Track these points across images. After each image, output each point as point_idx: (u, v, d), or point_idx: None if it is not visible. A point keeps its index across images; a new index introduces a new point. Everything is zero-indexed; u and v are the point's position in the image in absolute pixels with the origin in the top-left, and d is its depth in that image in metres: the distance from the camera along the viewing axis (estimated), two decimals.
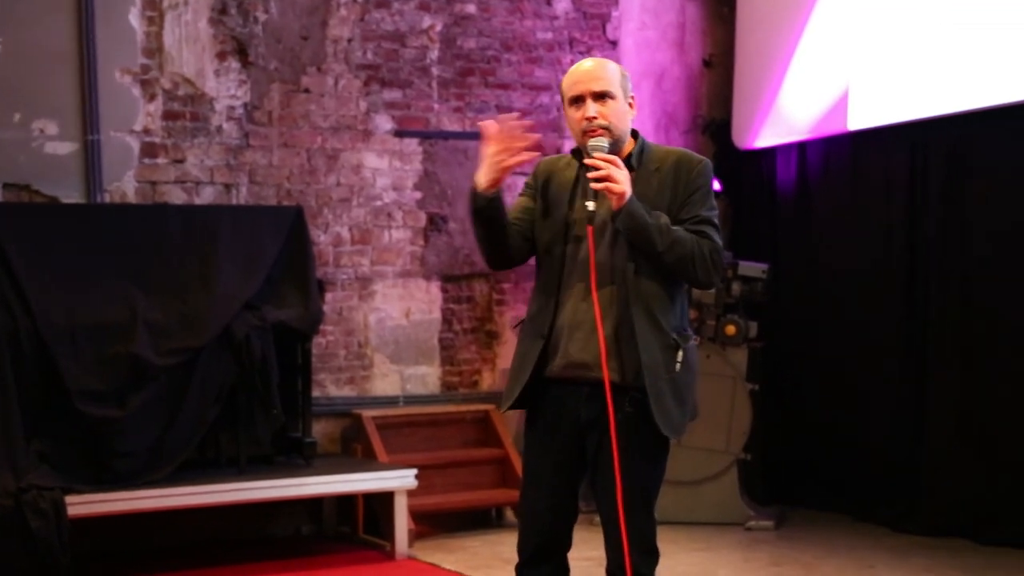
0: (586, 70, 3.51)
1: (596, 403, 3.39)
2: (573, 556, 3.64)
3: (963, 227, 6.50)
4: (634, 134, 3.58)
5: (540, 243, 3.57)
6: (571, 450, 3.48)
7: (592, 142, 3.43)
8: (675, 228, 3.38)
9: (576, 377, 3.44)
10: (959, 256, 6.51)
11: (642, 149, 3.55)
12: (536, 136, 3.45)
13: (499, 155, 3.40)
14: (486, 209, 3.44)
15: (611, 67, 3.53)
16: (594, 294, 3.38)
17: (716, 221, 3.48)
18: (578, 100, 3.48)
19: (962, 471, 6.42)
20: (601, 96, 3.46)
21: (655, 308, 3.40)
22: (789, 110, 7.42)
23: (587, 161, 3.42)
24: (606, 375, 3.34)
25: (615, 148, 3.46)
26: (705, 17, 8.13)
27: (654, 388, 3.36)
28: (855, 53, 6.97)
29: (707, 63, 8.15)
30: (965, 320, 6.47)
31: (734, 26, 7.93)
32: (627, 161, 3.48)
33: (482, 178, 3.41)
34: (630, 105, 3.54)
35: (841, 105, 7.04)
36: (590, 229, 3.41)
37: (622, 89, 3.51)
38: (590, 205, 3.39)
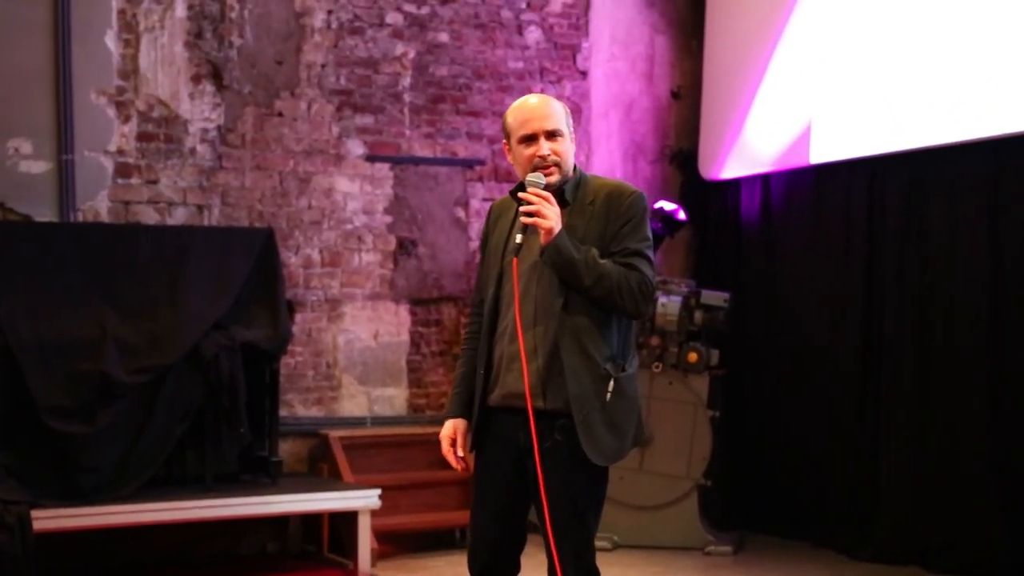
0: (534, 107, 3.63)
1: (530, 431, 3.50)
2: None
3: (919, 259, 6.64)
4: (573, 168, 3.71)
5: (484, 279, 3.72)
6: (514, 475, 3.60)
7: (530, 177, 3.55)
8: (603, 261, 3.49)
9: (512, 406, 3.56)
10: (915, 286, 6.65)
11: (579, 182, 3.66)
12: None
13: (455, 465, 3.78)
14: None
15: (556, 104, 3.66)
16: (518, 325, 3.50)
17: (647, 252, 3.57)
18: (530, 138, 3.59)
19: (916, 499, 6.54)
20: (552, 135, 3.59)
21: (585, 340, 3.51)
22: (754, 142, 7.58)
23: (521, 195, 3.55)
24: (529, 406, 3.47)
25: (555, 185, 3.58)
26: (674, 50, 8.28)
27: (582, 417, 3.48)
28: (817, 89, 7.14)
29: (675, 95, 8.30)
30: (921, 350, 6.60)
31: (702, 59, 8.09)
32: (562, 194, 3.60)
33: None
34: (572, 141, 3.66)
35: (804, 139, 7.20)
36: (515, 262, 3.53)
37: (568, 127, 3.64)
38: (517, 238, 3.53)
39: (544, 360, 3.53)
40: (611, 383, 3.51)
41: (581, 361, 3.50)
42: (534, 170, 3.57)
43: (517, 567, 3.72)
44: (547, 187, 3.55)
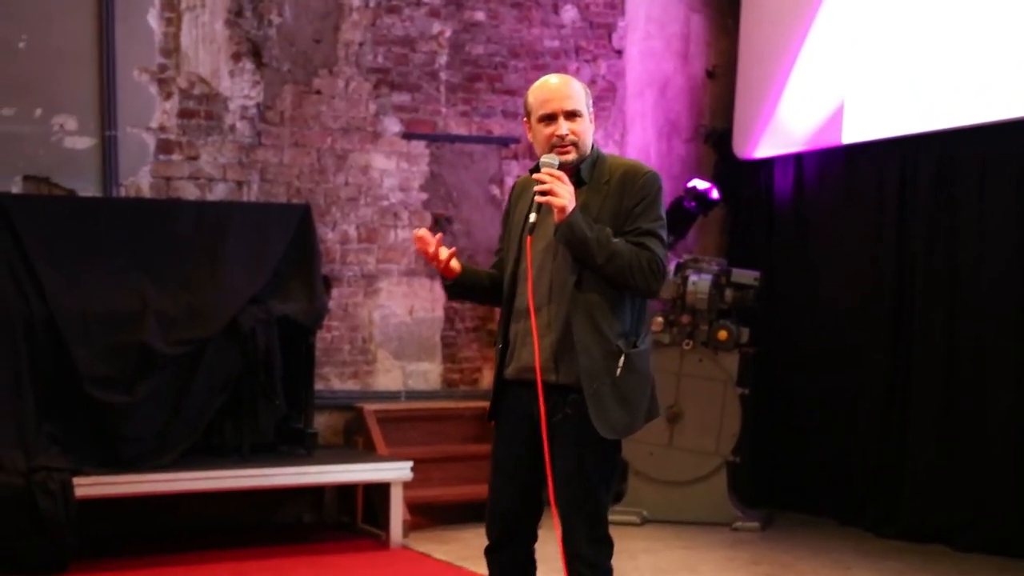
0: (555, 87, 3.70)
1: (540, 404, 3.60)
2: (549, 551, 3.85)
3: (951, 237, 6.68)
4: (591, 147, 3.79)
5: (505, 253, 3.81)
6: (529, 446, 3.69)
7: (544, 158, 3.64)
8: (616, 240, 3.57)
9: (526, 380, 3.67)
10: (945, 266, 6.69)
11: (595, 162, 3.74)
12: (443, 250, 3.73)
13: (430, 260, 3.77)
14: (453, 288, 3.86)
15: (576, 84, 3.72)
16: (530, 302, 3.60)
17: (660, 232, 3.65)
18: (550, 118, 3.67)
19: (941, 478, 6.60)
20: (572, 115, 3.66)
21: (597, 316, 3.59)
22: (787, 122, 7.62)
23: (534, 176, 3.64)
24: (539, 380, 3.57)
25: (572, 164, 3.66)
26: (709, 29, 8.32)
27: (592, 392, 3.58)
28: (851, 69, 7.17)
29: (710, 74, 8.34)
30: (950, 329, 6.64)
31: (737, 39, 8.12)
32: (578, 174, 3.69)
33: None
34: (592, 120, 3.73)
35: (837, 119, 7.23)
36: (528, 240, 3.63)
37: (586, 107, 3.71)
38: (532, 217, 3.62)
39: (557, 335, 3.62)
40: (622, 359, 3.60)
41: (593, 337, 3.59)
42: (551, 149, 3.66)
43: (534, 536, 3.83)
44: (564, 166, 3.64)
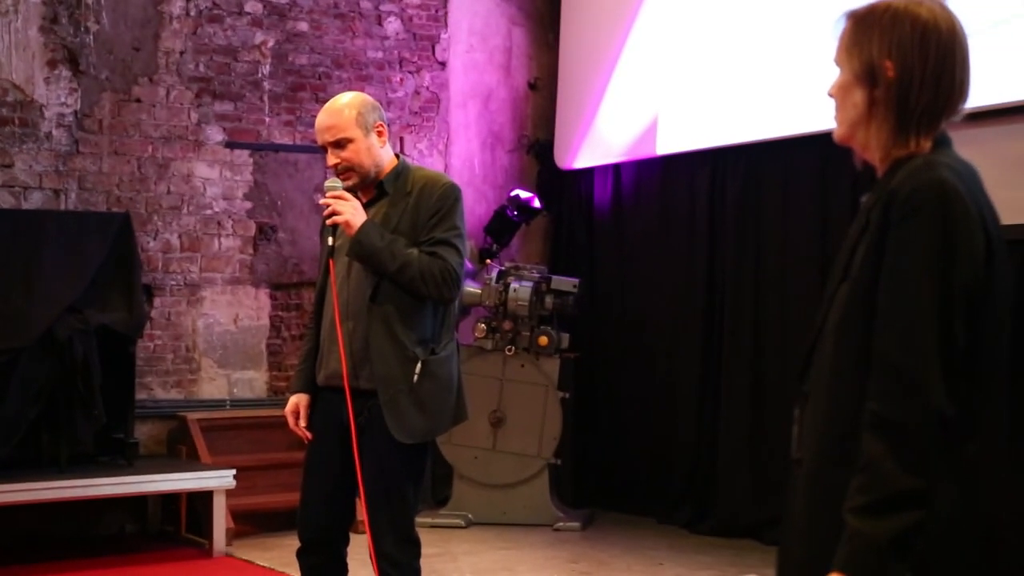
0: (320, 121, 3.86)
1: (347, 408, 3.73)
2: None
3: (757, 242, 7.00)
4: (398, 157, 3.92)
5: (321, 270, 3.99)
6: (340, 449, 3.80)
7: (327, 182, 3.83)
8: (408, 250, 3.72)
9: (334, 385, 3.80)
10: (753, 270, 7.00)
11: (399, 174, 3.87)
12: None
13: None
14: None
15: (345, 112, 3.81)
16: (336, 314, 3.75)
17: (455, 242, 3.79)
18: (324, 149, 3.85)
19: (750, 476, 6.89)
20: (339, 143, 3.79)
21: (394, 325, 3.74)
22: (606, 134, 7.86)
23: (320, 201, 3.81)
24: (347, 385, 3.70)
25: (360, 185, 3.83)
26: (531, 42, 8.52)
27: (388, 397, 3.72)
28: (663, 84, 7.45)
29: (532, 86, 8.54)
30: (756, 333, 6.95)
31: (558, 52, 8.34)
32: (380, 186, 3.82)
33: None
34: (379, 134, 3.83)
35: (651, 131, 7.50)
36: (331, 262, 3.80)
37: (362, 127, 3.79)
38: (330, 240, 3.80)
39: (359, 345, 3.76)
40: (418, 365, 3.73)
41: (389, 345, 3.73)
42: (338, 174, 3.80)
43: (345, 538, 3.93)
44: (352, 188, 3.81)
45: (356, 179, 3.81)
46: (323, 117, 3.84)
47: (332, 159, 3.79)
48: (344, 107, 3.83)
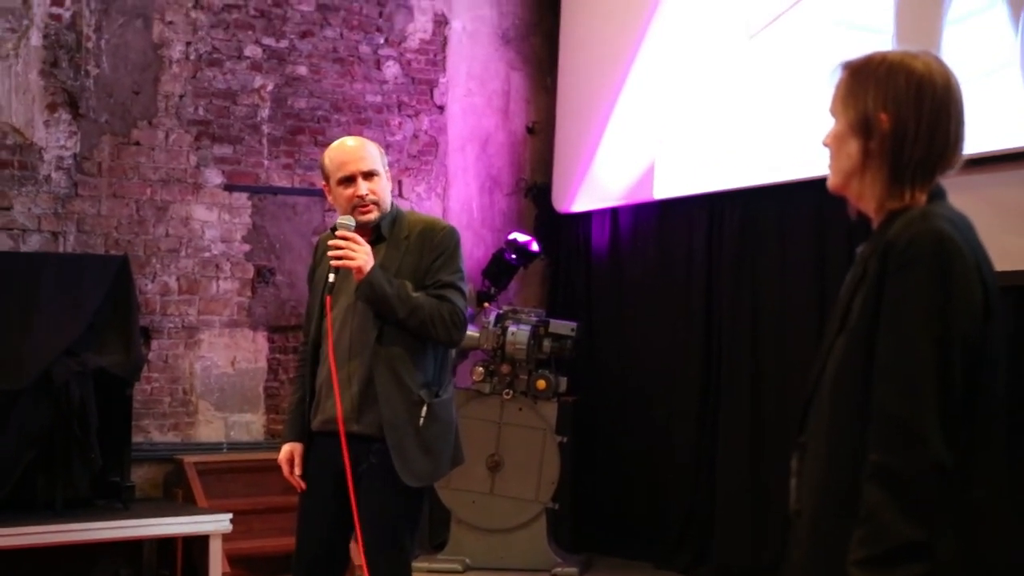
0: (351, 149, 3.85)
1: (348, 454, 3.71)
2: None
3: (754, 286, 7.00)
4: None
5: (311, 311, 3.95)
6: (335, 496, 3.78)
7: (339, 220, 3.80)
8: (416, 294, 3.72)
9: (331, 431, 3.78)
10: (750, 313, 7.00)
11: (395, 219, 3.89)
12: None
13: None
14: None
15: (370, 146, 3.89)
16: (331, 356, 3.71)
17: (459, 284, 3.82)
18: (349, 179, 3.81)
19: (748, 521, 6.86)
20: (369, 175, 3.81)
21: (400, 368, 3.73)
22: (603, 178, 7.89)
23: (330, 243, 3.78)
24: (342, 430, 3.69)
25: (374, 222, 3.82)
26: (529, 87, 8.57)
27: (395, 441, 3.71)
28: (659, 129, 7.48)
29: (530, 130, 8.57)
30: (755, 374, 6.93)
31: (556, 96, 8.38)
32: (378, 230, 3.82)
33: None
34: (388, 179, 3.89)
35: (648, 175, 7.53)
36: (328, 299, 3.76)
37: (383, 165, 3.86)
38: (331, 277, 3.76)
39: (359, 388, 3.74)
40: (424, 408, 3.73)
41: (395, 388, 3.72)
42: (353, 210, 3.79)
43: None
44: (365, 224, 3.78)
45: (377, 214, 3.81)
46: (354, 146, 3.85)
47: (362, 188, 3.78)
48: (368, 143, 3.89)
